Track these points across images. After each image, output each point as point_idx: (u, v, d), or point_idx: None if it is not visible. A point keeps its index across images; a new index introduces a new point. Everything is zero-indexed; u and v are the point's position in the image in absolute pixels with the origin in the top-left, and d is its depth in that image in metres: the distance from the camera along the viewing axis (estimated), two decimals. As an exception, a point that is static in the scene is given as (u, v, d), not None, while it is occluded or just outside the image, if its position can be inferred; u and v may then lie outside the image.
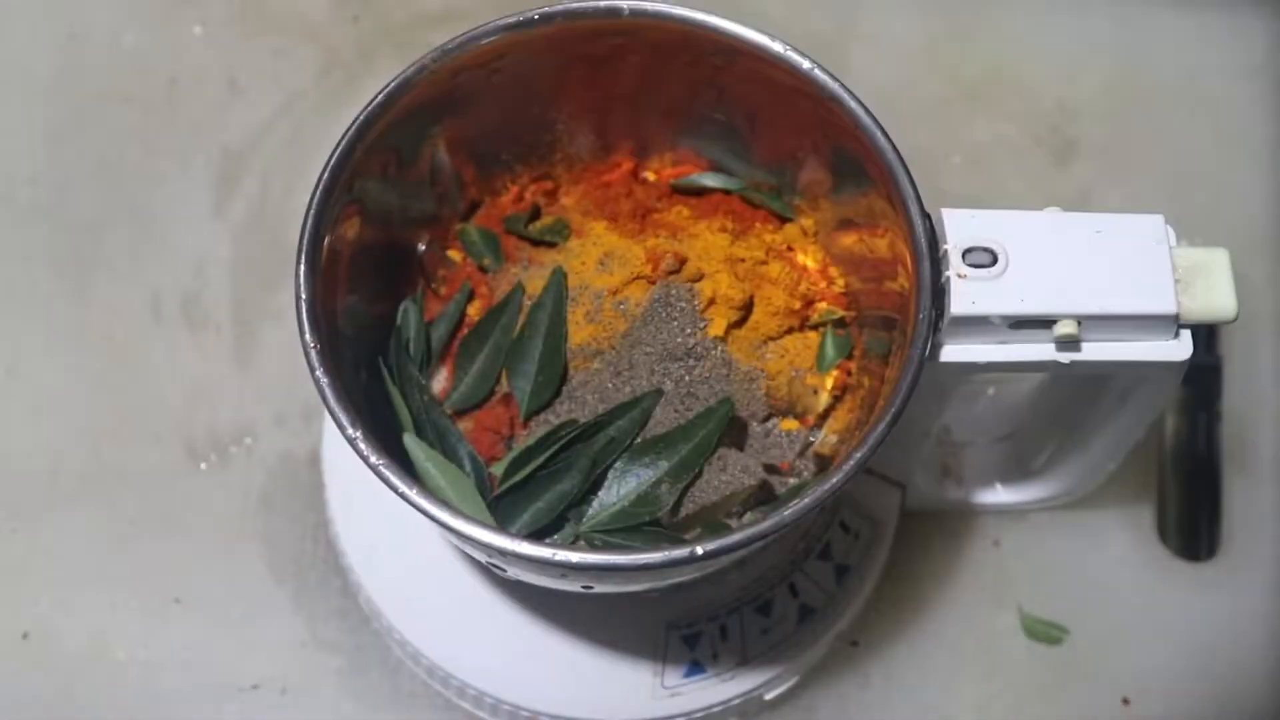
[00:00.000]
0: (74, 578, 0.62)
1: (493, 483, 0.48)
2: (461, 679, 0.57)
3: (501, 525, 0.47)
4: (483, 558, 0.48)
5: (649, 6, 0.47)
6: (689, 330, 0.49)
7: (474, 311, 0.52)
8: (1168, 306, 0.46)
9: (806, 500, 0.42)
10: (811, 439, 0.50)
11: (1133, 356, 0.47)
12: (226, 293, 0.67)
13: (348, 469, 0.59)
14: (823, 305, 0.52)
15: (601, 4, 0.48)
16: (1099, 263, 0.46)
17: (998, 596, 0.63)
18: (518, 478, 0.47)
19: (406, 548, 0.58)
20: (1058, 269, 0.46)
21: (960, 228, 0.46)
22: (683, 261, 0.50)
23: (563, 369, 0.50)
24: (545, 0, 0.48)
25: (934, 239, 0.46)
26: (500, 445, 0.49)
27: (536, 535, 0.47)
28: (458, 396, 0.50)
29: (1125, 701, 0.61)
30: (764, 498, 0.49)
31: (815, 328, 0.51)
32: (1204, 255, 0.47)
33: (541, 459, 0.47)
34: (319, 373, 0.44)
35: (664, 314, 0.50)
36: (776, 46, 0.47)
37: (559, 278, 0.50)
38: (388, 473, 0.43)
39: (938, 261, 0.45)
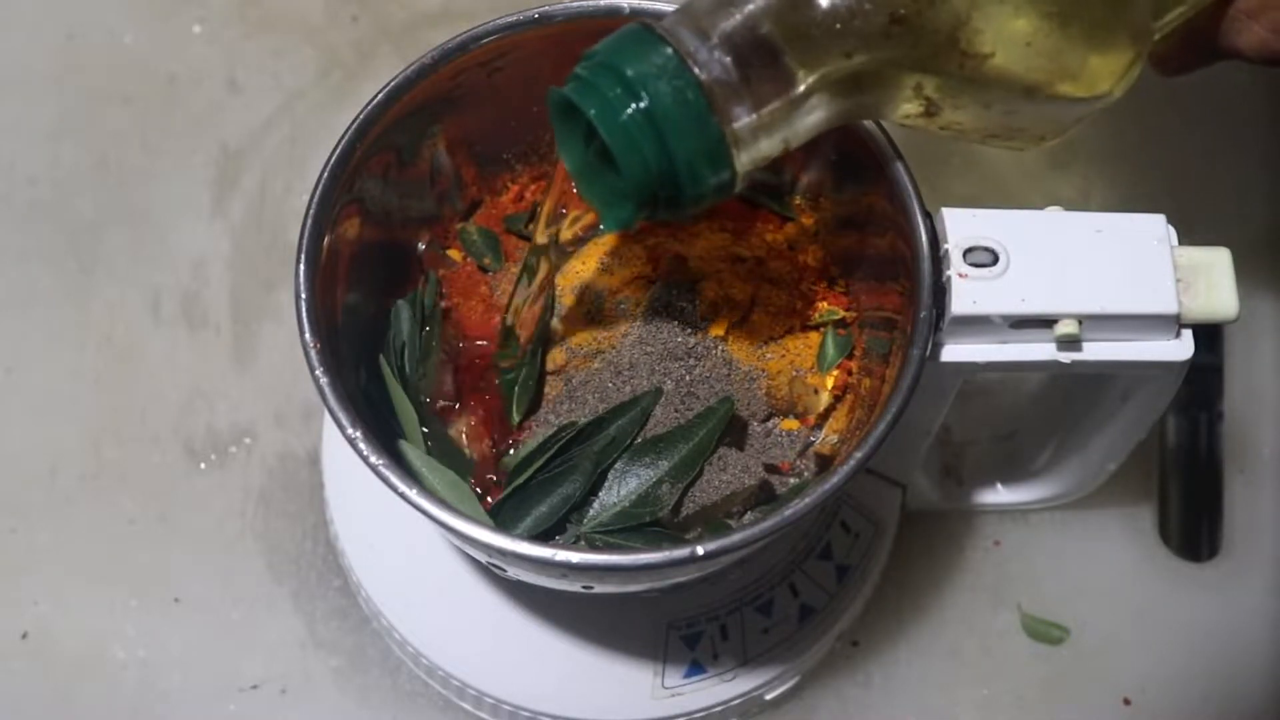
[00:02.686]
0: (74, 578, 0.62)
1: (490, 483, 0.48)
2: (461, 679, 0.56)
3: (504, 530, 0.47)
4: (483, 558, 0.48)
5: (650, 6, 0.47)
6: (689, 330, 0.49)
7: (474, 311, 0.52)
8: (1169, 306, 0.46)
9: (807, 500, 0.42)
10: (812, 439, 0.50)
11: (1133, 356, 0.47)
12: (226, 292, 0.67)
13: (347, 469, 0.59)
14: (823, 305, 0.52)
15: (601, 4, 0.48)
16: (1100, 262, 0.46)
17: (998, 596, 0.63)
18: (519, 481, 0.47)
19: (406, 548, 0.58)
20: (1059, 268, 0.46)
21: (961, 227, 0.46)
22: (683, 261, 0.50)
23: (539, 367, 0.49)
24: (545, 0, 0.48)
25: (934, 238, 0.46)
26: (498, 446, 0.49)
27: (539, 538, 0.47)
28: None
29: (1126, 701, 0.61)
30: (764, 498, 0.49)
31: (816, 327, 0.51)
32: (1205, 255, 0.47)
33: (542, 461, 0.47)
34: (319, 373, 0.44)
35: (664, 313, 0.49)
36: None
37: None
38: (388, 473, 0.43)
39: (938, 261, 0.45)
